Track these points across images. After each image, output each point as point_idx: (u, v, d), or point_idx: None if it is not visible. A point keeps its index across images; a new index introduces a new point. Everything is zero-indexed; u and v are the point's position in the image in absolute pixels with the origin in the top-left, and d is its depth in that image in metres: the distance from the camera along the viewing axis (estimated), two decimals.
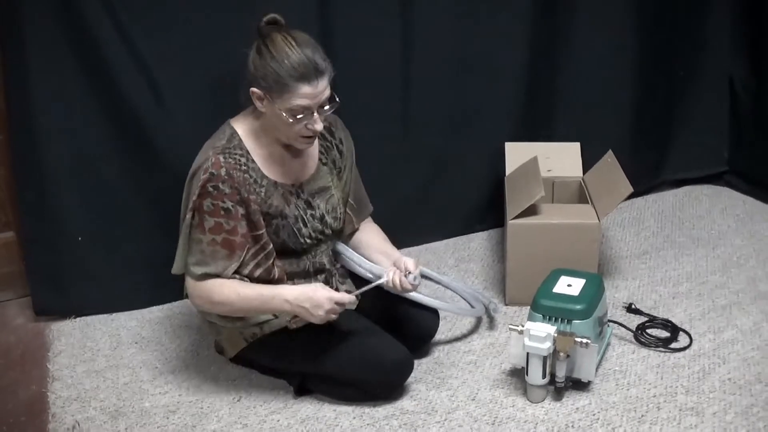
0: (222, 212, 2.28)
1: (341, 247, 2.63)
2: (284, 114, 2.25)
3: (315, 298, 2.28)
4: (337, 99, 2.33)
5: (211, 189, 2.26)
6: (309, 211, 2.48)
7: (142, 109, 2.84)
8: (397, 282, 2.42)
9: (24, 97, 2.73)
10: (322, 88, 2.25)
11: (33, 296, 2.98)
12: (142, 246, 2.99)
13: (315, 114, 2.28)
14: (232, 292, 2.31)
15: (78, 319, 2.98)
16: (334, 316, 2.32)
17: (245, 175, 2.32)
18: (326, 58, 2.27)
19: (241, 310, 2.38)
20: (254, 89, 2.27)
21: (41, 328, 2.95)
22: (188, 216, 2.30)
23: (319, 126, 2.29)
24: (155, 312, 3.03)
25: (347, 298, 2.33)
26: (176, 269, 2.40)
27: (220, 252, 2.30)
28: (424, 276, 3.13)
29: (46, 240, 2.89)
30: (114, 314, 3.01)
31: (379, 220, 2.81)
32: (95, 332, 2.91)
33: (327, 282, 2.55)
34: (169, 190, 2.71)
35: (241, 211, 2.30)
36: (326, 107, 2.31)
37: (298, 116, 2.26)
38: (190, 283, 2.35)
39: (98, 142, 2.85)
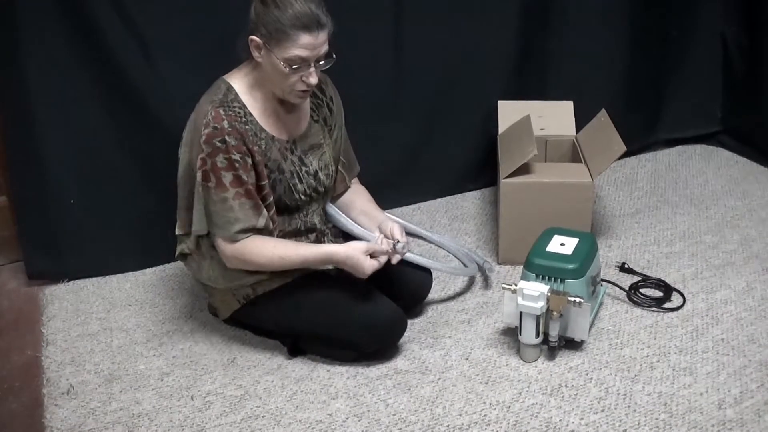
0: (236, 164, 2.26)
1: (331, 209, 2.61)
2: (281, 64, 2.23)
3: (354, 267, 2.33)
4: (334, 55, 2.30)
5: (219, 144, 2.24)
6: (303, 168, 2.46)
7: (132, 70, 2.79)
8: (385, 248, 2.41)
9: (13, 61, 2.68)
10: (321, 40, 2.24)
11: (26, 260, 2.95)
12: (134, 208, 2.96)
13: (311, 67, 2.26)
14: (274, 254, 2.31)
15: (71, 282, 2.96)
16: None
17: (246, 126, 2.30)
18: (328, 14, 2.25)
19: (277, 269, 2.36)
20: (253, 37, 2.24)
21: (34, 292, 2.92)
22: (202, 175, 2.27)
23: (314, 79, 2.27)
24: (148, 274, 3.01)
25: (377, 265, 2.35)
26: (197, 229, 2.36)
27: (247, 203, 2.28)
28: (416, 235, 3.15)
29: (39, 204, 2.86)
30: (107, 277, 2.98)
31: (371, 179, 2.80)
32: (88, 295, 2.88)
33: (319, 240, 2.55)
34: (161, 151, 2.70)
35: (249, 161, 2.29)
36: (322, 62, 2.28)
37: (295, 67, 2.23)
38: (227, 247, 2.32)
39: (89, 105, 2.80)
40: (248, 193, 2.29)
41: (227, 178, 2.26)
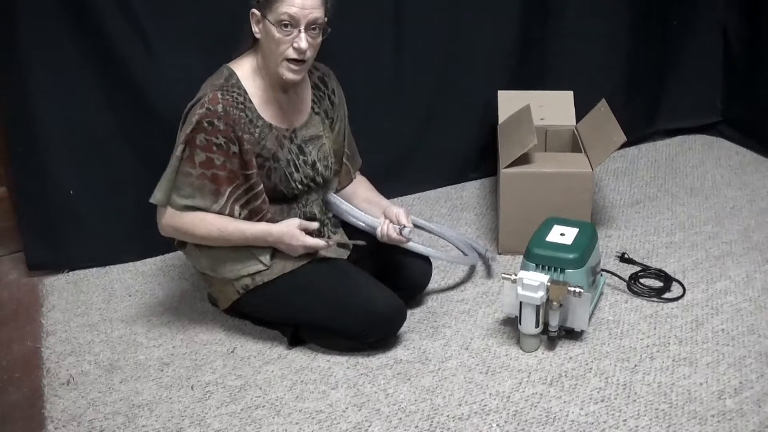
0: (214, 148, 2.26)
1: (333, 197, 2.61)
2: (273, 28, 2.23)
3: (287, 245, 2.35)
4: (329, 29, 2.31)
5: (206, 124, 2.25)
6: (301, 157, 2.46)
7: (132, 59, 2.79)
8: (392, 234, 2.43)
9: (13, 53, 2.67)
10: (312, 2, 2.24)
11: (26, 251, 2.94)
12: (134, 198, 2.93)
13: (302, 32, 2.25)
14: (214, 227, 2.33)
15: (71, 273, 2.95)
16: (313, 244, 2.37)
17: (241, 113, 2.31)
18: None
19: (218, 240, 2.36)
20: (254, 10, 2.27)
21: (34, 283, 2.92)
22: (179, 148, 2.28)
23: (303, 44, 2.26)
24: (149, 264, 3.00)
25: (321, 244, 2.36)
26: (158, 199, 2.36)
27: (208, 186, 2.29)
28: (416, 225, 3.12)
29: (39, 194, 2.85)
30: (107, 267, 2.98)
31: (371, 169, 2.81)
32: (88, 286, 2.88)
33: (319, 231, 2.53)
34: (161, 141, 2.68)
35: (233, 148, 2.29)
36: (315, 29, 2.28)
37: (285, 24, 2.23)
38: (168, 213, 2.34)
39: (89, 95, 2.80)
40: (213, 178, 2.29)
41: (199, 156, 2.27)
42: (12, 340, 2.61)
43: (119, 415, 2.24)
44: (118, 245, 2.99)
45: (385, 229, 2.43)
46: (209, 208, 2.31)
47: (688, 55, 3.81)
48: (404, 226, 2.41)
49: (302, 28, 2.25)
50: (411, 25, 3.22)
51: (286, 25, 2.24)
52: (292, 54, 2.28)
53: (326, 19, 2.30)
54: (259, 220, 2.38)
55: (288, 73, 2.32)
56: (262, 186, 2.37)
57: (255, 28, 2.30)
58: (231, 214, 2.34)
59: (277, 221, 2.41)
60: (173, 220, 2.34)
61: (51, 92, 2.75)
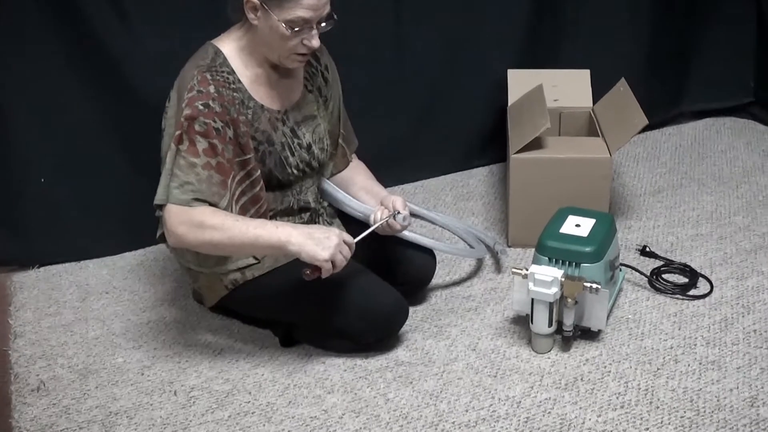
0: (214, 133, 2.23)
1: (328, 185, 2.62)
2: (282, 26, 2.22)
3: (325, 229, 2.24)
4: (335, 17, 2.30)
5: (201, 107, 2.22)
6: (296, 140, 2.45)
7: (108, 38, 2.78)
8: (385, 222, 2.42)
9: None
10: (324, 0, 2.24)
11: None
12: (111, 187, 2.95)
13: (313, 29, 2.27)
14: (228, 217, 2.22)
15: (42, 268, 2.95)
16: (341, 257, 2.22)
17: (234, 93, 2.30)
18: None
19: (231, 242, 2.22)
20: None
21: (1, 279, 2.90)
22: (175, 137, 2.24)
23: (316, 42, 2.28)
24: (128, 258, 3.00)
25: (352, 240, 2.28)
26: (161, 198, 2.27)
27: (215, 177, 2.24)
28: (417, 216, 3.15)
29: (6, 182, 2.84)
30: (82, 262, 2.98)
31: (372, 155, 2.81)
32: (61, 282, 2.88)
33: (313, 221, 2.56)
34: (140, 125, 2.72)
35: (229, 133, 2.27)
36: (324, 24, 2.29)
37: (296, 29, 2.24)
38: (174, 210, 2.23)
39: (61, 76, 2.79)
40: (219, 167, 2.24)
41: (201, 144, 2.23)
42: None
43: (95, 424, 2.23)
44: (94, 238, 2.99)
45: (378, 215, 2.43)
46: (218, 204, 2.24)
47: (717, 29, 3.80)
48: (398, 212, 2.41)
49: (314, 25, 2.26)
50: (414, 1, 3.22)
51: (297, 29, 2.24)
52: (301, 50, 2.30)
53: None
54: (256, 211, 2.36)
55: (293, 63, 2.35)
56: (258, 172, 2.36)
57: (251, 15, 2.26)
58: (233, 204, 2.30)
59: (271, 210, 2.42)
60: (183, 216, 2.22)
61: (20, 75, 2.74)
